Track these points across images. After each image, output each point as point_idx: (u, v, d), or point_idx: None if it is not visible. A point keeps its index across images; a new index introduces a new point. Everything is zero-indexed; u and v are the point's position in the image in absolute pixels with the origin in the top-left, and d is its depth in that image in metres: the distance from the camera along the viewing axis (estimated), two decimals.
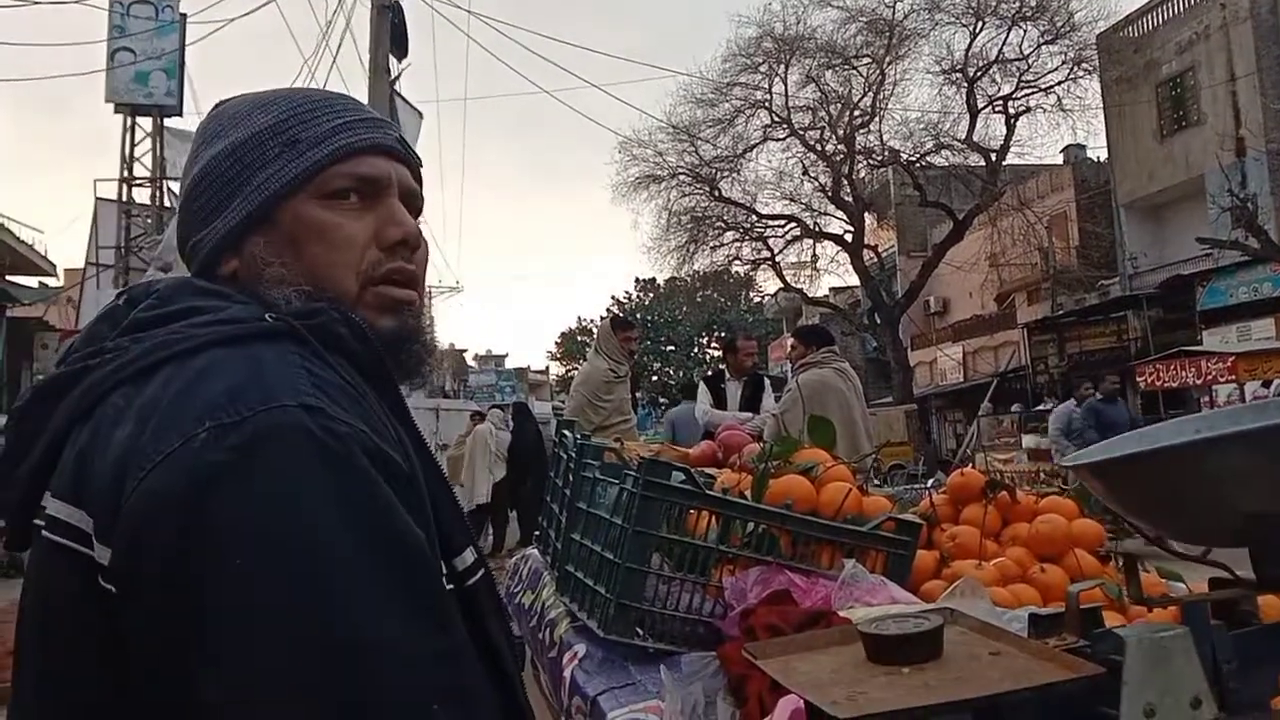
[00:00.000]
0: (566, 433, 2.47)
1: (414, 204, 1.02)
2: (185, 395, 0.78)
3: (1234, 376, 14.99)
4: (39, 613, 0.85)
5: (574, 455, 2.21)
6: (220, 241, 0.96)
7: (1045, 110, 22.75)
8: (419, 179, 1.04)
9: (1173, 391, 17.53)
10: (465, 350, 51.03)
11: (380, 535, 0.75)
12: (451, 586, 0.89)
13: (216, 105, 1.04)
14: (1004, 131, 22.79)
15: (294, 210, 0.95)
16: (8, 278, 14.94)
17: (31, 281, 17.48)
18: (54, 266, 18.85)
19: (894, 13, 22.37)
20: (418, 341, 1.00)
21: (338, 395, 0.81)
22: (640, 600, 1.66)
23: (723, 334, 44.66)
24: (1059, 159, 26.64)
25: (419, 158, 1.05)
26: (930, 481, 3.05)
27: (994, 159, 22.64)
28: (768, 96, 23.69)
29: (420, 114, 13.37)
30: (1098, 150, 25.05)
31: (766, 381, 6.79)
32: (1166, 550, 1.22)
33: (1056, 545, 2.00)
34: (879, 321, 25.14)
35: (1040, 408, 21.27)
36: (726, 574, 1.67)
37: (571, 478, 2.19)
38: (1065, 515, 2.08)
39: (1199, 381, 16.16)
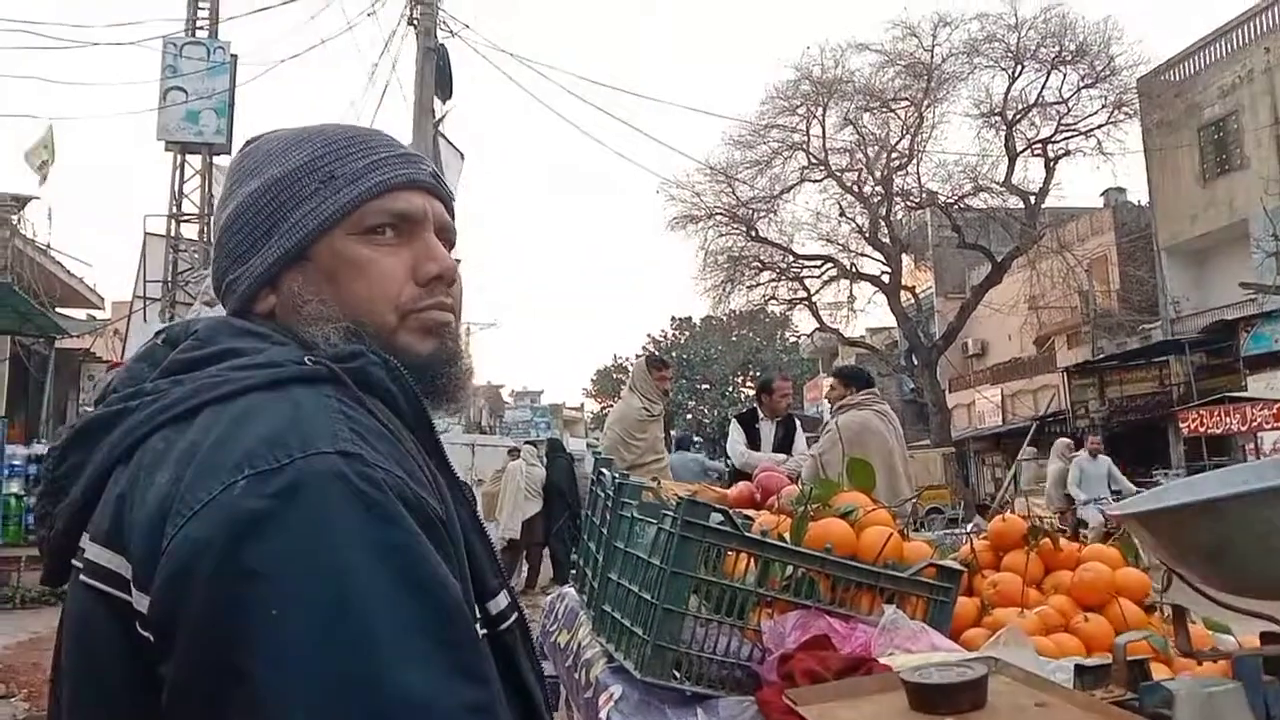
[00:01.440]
0: (604, 471, 2.47)
1: (447, 237, 1.02)
2: (224, 441, 0.78)
3: None
4: (76, 655, 0.85)
5: (611, 494, 2.21)
6: (258, 279, 0.96)
7: (1085, 153, 22.70)
8: (451, 213, 1.05)
9: (1216, 438, 17.23)
10: (502, 386, 51.32)
11: (417, 585, 0.75)
12: (485, 631, 0.88)
13: (248, 142, 1.05)
14: (1043, 174, 22.74)
15: (331, 246, 0.95)
16: (57, 310, 15.24)
17: (80, 314, 17.83)
18: (102, 299, 19.23)
19: (932, 57, 22.47)
20: (457, 365, 1.01)
21: (375, 440, 0.81)
22: (677, 642, 1.65)
23: (758, 373, 44.55)
24: (1099, 202, 26.46)
25: (451, 192, 1.06)
26: (970, 526, 3.01)
27: (1033, 202, 22.53)
28: (805, 138, 23.82)
29: (462, 155, 13.56)
30: (1138, 194, 24.91)
31: (797, 422, 6.75)
32: (1216, 602, 1.20)
33: (1100, 594, 1.97)
34: (916, 363, 24.99)
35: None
36: (765, 617, 1.66)
37: (609, 516, 2.19)
38: (1109, 564, 2.05)
39: (1244, 428, 15.89)
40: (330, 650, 0.70)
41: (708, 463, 10.74)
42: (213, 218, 1.06)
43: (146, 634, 0.75)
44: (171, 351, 0.92)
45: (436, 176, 1.03)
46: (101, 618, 0.80)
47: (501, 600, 0.93)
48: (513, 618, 0.94)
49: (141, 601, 0.76)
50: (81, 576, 0.83)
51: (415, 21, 13.03)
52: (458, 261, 1.03)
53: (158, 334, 0.98)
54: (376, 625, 0.72)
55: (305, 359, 0.87)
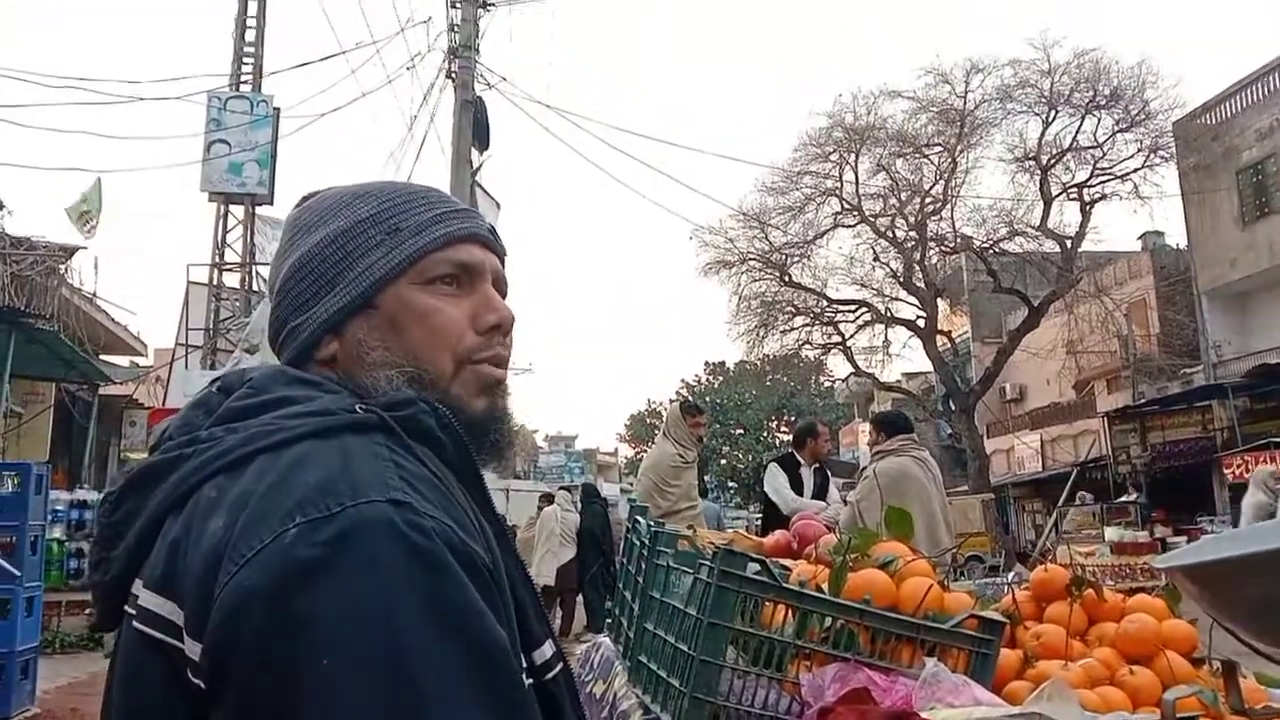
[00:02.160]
0: (640, 519, 2.47)
1: (502, 289, 1.06)
2: (276, 489, 0.80)
3: None
4: (125, 701, 0.86)
5: (647, 542, 2.21)
6: (322, 325, 0.98)
7: (1121, 198, 22.51)
8: (504, 265, 1.08)
9: None
10: (536, 431, 51.36)
11: (465, 637, 0.75)
12: (530, 680, 0.88)
13: (305, 197, 1.08)
14: (1079, 218, 22.58)
15: (396, 295, 0.98)
16: (101, 357, 15.52)
17: (123, 361, 18.15)
18: (145, 346, 19.57)
19: (965, 102, 22.47)
20: (506, 423, 1.03)
21: (424, 488, 0.83)
22: (714, 695, 1.64)
23: (792, 418, 44.27)
24: (1137, 245, 26.24)
25: (505, 247, 1.09)
26: (1011, 575, 2.97)
27: (1069, 246, 22.38)
28: (838, 184, 23.83)
29: (499, 204, 13.74)
30: (1177, 237, 24.67)
31: (827, 470, 6.70)
32: (1267, 658, 1.17)
33: (1146, 646, 1.93)
34: (954, 408, 24.74)
35: (1123, 499, 20.58)
36: (803, 670, 1.64)
37: (644, 565, 2.18)
38: (1155, 615, 2.00)
39: None
40: (379, 701, 0.71)
41: (724, 516, 10.63)
42: (269, 269, 1.09)
43: (198, 681, 0.76)
44: (226, 399, 0.94)
45: (493, 231, 1.07)
46: (153, 664, 0.81)
47: (547, 650, 0.93)
48: (558, 667, 0.94)
49: (193, 649, 0.77)
50: (134, 623, 0.84)
51: (453, 75, 13.31)
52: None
53: (213, 382, 1.01)
54: (425, 675, 0.72)
55: (356, 406, 0.89)
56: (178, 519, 0.84)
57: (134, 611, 0.84)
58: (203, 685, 0.76)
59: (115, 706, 0.88)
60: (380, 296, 0.98)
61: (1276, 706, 1.23)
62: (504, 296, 1.06)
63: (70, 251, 14.32)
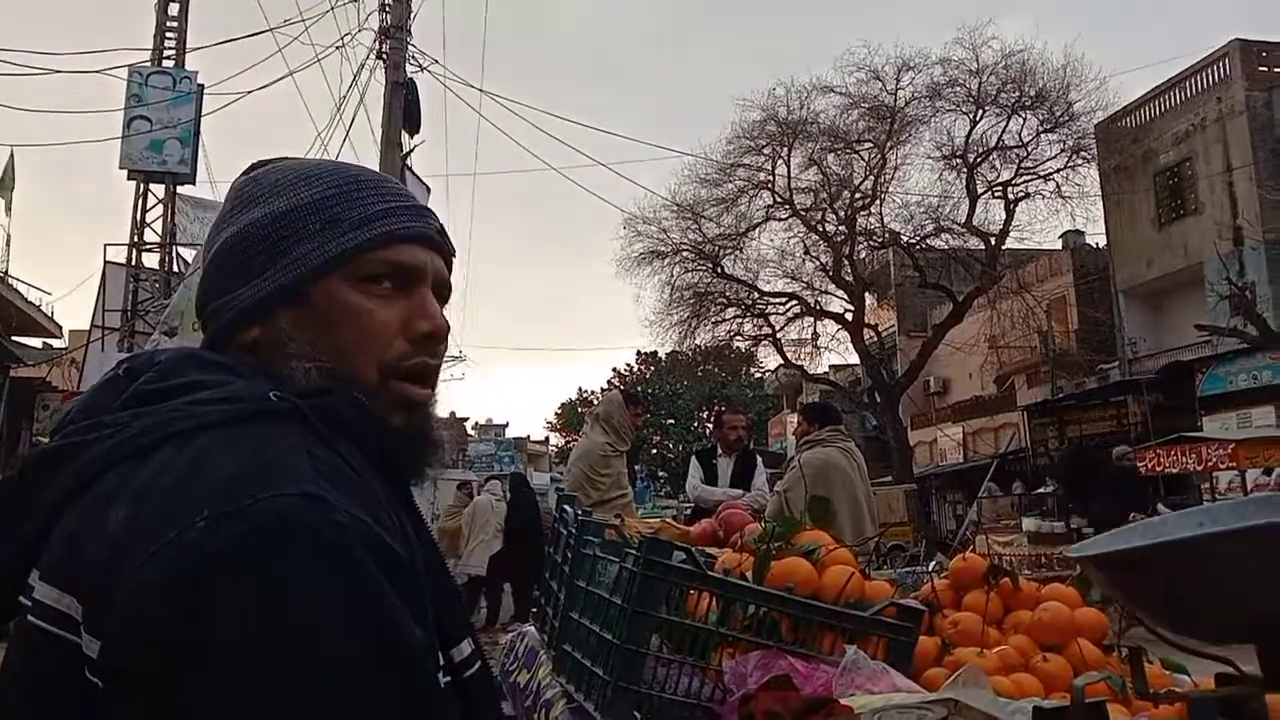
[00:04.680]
0: (567, 508, 2.46)
1: (443, 294, 1.01)
2: (183, 481, 0.76)
3: (1235, 463, 14.95)
4: (19, 698, 0.82)
5: (574, 531, 2.20)
6: (245, 311, 0.94)
7: (1044, 196, 23.07)
8: (450, 268, 1.03)
9: (1174, 477, 17.45)
10: (466, 419, 50.78)
11: (375, 637, 0.73)
12: (448, 678, 0.86)
13: (253, 167, 1.03)
14: (1003, 216, 23.10)
15: (327, 289, 0.93)
16: (13, 338, 14.98)
17: (36, 342, 17.55)
18: (59, 328, 18.93)
19: (895, 100, 22.82)
20: (427, 437, 0.98)
21: (340, 481, 0.79)
22: (638, 683, 1.64)
23: (722, 409, 44.60)
24: (1058, 244, 26.94)
25: (454, 248, 1.04)
26: (932, 565, 3.03)
27: (994, 243, 22.89)
28: (770, 178, 24.03)
29: (428, 188, 13.57)
30: (1097, 236, 25.38)
31: (758, 458, 6.77)
32: (1171, 644, 1.20)
33: (1059, 634, 1.98)
34: (879, 400, 25.16)
35: (1041, 490, 21.17)
36: (726, 657, 1.65)
37: (571, 554, 2.17)
38: (1068, 603, 2.06)
39: (1199, 467, 16.10)
40: (283, 705, 0.69)
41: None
42: (208, 234, 1.03)
43: (95, 679, 0.73)
44: (134, 382, 0.90)
45: (442, 232, 1.02)
46: (48, 660, 0.77)
47: (465, 648, 0.91)
48: (476, 665, 0.93)
49: (92, 646, 0.73)
50: (29, 616, 0.80)
51: (384, 55, 13.08)
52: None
53: (120, 364, 0.96)
54: (332, 678, 0.70)
55: (271, 394, 0.85)
56: (78, 508, 0.80)
57: (29, 604, 0.80)
58: (100, 684, 0.73)
59: (7, 702, 0.84)
60: (310, 288, 0.93)
61: (1179, 690, 1.27)
62: (445, 303, 1.01)
63: None
